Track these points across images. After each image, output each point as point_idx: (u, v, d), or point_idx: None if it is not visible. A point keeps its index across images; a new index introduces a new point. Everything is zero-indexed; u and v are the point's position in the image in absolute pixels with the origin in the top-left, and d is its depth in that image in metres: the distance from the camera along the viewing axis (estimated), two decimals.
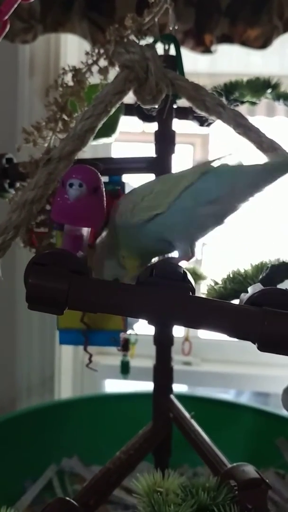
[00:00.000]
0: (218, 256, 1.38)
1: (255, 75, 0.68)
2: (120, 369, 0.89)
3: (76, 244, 0.42)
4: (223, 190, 0.41)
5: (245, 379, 1.35)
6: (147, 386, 1.03)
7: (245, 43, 1.02)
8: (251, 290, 0.38)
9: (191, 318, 0.35)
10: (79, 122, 0.47)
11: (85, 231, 0.43)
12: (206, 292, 0.50)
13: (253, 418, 0.92)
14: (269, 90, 0.67)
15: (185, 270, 0.38)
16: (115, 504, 0.81)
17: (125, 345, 0.72)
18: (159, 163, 0.57)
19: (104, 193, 0.42)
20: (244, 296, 0.39)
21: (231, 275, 0.48)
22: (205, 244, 1.44)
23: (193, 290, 0.37)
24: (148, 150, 0.62)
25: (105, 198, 0.42)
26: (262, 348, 0.35)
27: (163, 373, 0.61)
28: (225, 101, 0.55)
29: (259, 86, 0.66)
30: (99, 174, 0.41)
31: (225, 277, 0.49)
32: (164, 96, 0.51)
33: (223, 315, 0.35)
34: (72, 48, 1.14)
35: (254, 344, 0.36)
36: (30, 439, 0.88)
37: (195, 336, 1.28)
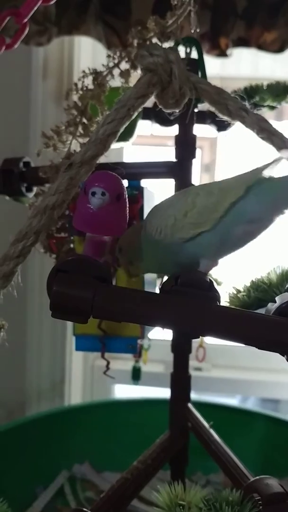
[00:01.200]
0: (227, 259, 1.37)
1: (265, 79, 0.67)
2: (131, 375, 0.88)
3: (98, 250, 0.41)
4: (266, 209, 0.40)
5: (255, 385, 1.34)
6: (158, 391, 1.02)
7: (261, 46, 1.01)
8: (279, 300, 0.37)
9: (220, 330, 0.34)
10: (101, 126, 0.46)
11: (108, 237, 0.42)
12: (228, 301, 0.49)
13: (267, 426, 0.90)
14: None
15: (211, 279, 0.37)
16: None
17: (139, 351, 0.71)
18: (179, 168, 0.56)
19: (127, 200, 0.41)
20: (272, 306, 0.38)
21: (254, 283, 0.47)
22: None
23: (220, 300, 0.37)
24: (157, 153, 0.62)
25: (127, 205, 0.41)
26: None
27: (180, 381, 0.60)
28: (247, 106, 0.54)
29: (280, 91, 0.65)
30: (121, 180, 0.40)
31: (248, 285, 0.48)
32: (187, 100, 0.51)
33: (253, 326, 0.34)
34: (86, 51, 1.14)
35: (283, 356, 0.35)
36: (41, 445, 0.87)
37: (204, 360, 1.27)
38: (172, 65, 0.47)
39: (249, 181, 0.40)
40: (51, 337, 1.20)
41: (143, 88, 0.47)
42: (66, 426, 0.92)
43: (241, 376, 1.34)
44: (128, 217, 0.41)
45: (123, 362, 1.28)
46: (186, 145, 0.56)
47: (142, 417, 0.93)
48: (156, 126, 0.76)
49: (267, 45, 1.01)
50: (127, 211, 0.41)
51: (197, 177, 1.41)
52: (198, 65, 0.57)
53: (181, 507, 0.41)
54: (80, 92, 0.54)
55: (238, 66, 1.29)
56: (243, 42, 1.03)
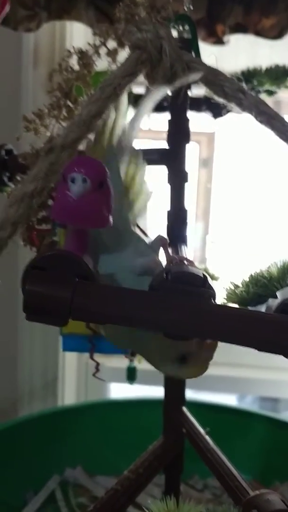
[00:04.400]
0: (225, 254, 1.34)
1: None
2: (126, 375, 0.85)
3: (81, 244, 0.37)
4: None
5: (254, 383, 1.30)
6: (154, 390, 0.99)
7: (259, 32, 0.97)
8: (281, 295, 0.34)
9: (216, 330, 0.30)
10: (85, 107, 0.42)
11: (91, 230, 0.38)
12: (226, 297, 0.45)
13: (266, 428, 0.87)
14: None
15: (205, 273, 0.33)
16: None
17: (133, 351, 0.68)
18: (171, 154, 0.52)
19: (111, 187, 0.37)
20: (273, 302, 0.34)
21: (253, 277, 0.43)
22: (213, 242, 1.40)
23: (215, 297, 0.33)
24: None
25: (112, 193, 0.37)
26: None
27: (174, 382, 0.56)
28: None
29: (280, 74, 0.62)
30: (104, 166, 0.36)
31: (247, 279, 0.44)
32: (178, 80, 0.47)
33: (253, 326, 0.30)
34: (78, 38, 1.10)
35: (287, 358, 0.31)
36: (31, 448, 0.83)
37: None
38: (163, 41, 0.43)
39: None
40: (44, 334, 1.16)
41: (131, 66, 0.43)
42: (57, 428, 0.88)
43: (239, 374, 1.30)
44: (111, 209, 0.37)
45: (118, 361, 1.25)
46: (179, 130, 0.52)
47: (137, 418, 0.89)
48: (154, 118, 0.72)
49: (265, 31, 0.97)
50: (111, 200, 0.37)
51: (195, 172, 1.38)
52: (191, 45, 0.53)
53: None
54: (65, 73, 0.50)
55: (236, 56, 1.25)
56: (240, 28, 0.98)
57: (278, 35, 0.96)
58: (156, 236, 0.42)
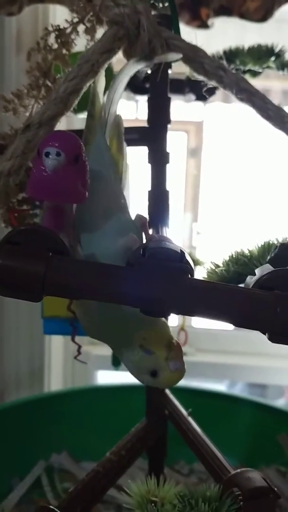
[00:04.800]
0: (213, 242, 1.33)
1: None
2: (111, 361, 0.84)
3: (57, 220, 0.36)
4: None
5: (241, 370, 1.30)
6: None
7: (244, 15, 0.96)
8: (259, 272, 0.33)
9: (192, 305, 0.30)
10: (62, 84, 0.42)
11: (68, 206, 0.38)
12: (206, 276, 0.45)
13: (253, 412, 0.87)
14: (272, 58, 0.62)
15: (182, 249, 0.33)
16: (108, 504, 0.76)
17: None
18: (152, 134, 0.52)
19: (87, 163, 0.37)
20: (251, 280, 0.33)
21: (234, 257, 0.43)
22: (199, 233, 1.39)
23: (192, 273, 0.32)
24: None
25: (88, 169, 0.36)
26: (274, 338, 0.30)
27: None
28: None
29: (262, 53, 0.61)
30: (79, 140, 0.36)
31: (227, 259, 0.44)
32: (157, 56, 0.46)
33: (230, 300, 0.30)
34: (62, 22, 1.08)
35: (264, 334, 0.31)
36: (17, 434, 0.82)
37: (188, 326, 1.23)
38: (140, 16, 0.43)
39: None
40: (29, 321, 1.15)
41: (108, 42, 0.43)
42: (43, 414, 0.88)
43: (227, 361, 1.30)
44: (87, 184, 0.37)
45: (105, 348, 1.24)
46: (159, 109, 0.52)
47: (123, 404, 0.89)
48: (140, 107, 0.71)
49: (249, 14, 0.96)
50: (87, 175, 0.36)
51: (183, 162, 1.37)
52: (171, 21, 0.52)
53: (153, 504, 0.37)
54: (43, 51, 0.49)
55: (223, 40, 1.23)
56: (225, 11, 0.97)
57: (262, 18, 0.95)
58: (136, 215, 0.42)
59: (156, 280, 0.30)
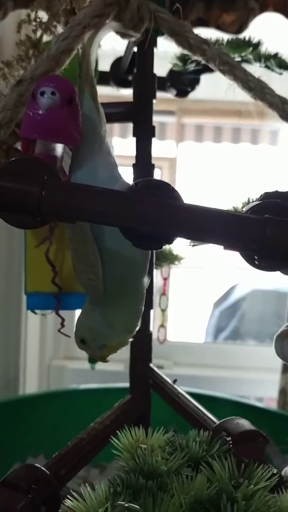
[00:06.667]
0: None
1: None
2: (88, 358, 0.83)
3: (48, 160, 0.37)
4: None
5: (218, 383, 1.30)
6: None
7: (220, 27, 1.00)
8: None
9: (187, 226, 0.30)
10: (54, 44, 0.43)
11: (59, 152, 0.38)
12: None
13: (233, 411, 0.86)
14: (250, 49, 0.64)
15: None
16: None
17: None
18: (137, 109, 0.53)
19: (80, 109, 0.38)
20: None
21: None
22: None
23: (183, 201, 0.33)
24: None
25: (80, 113, 0.37)
26: (262, 259, 0.31)
27: (141, 339, 0.56)
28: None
29: (241, 43, 0.63)
30: (73, 84, 0.37)
31: None
32: (145, 27, 0.48)
33: (223, 222, 0.30)
34: None
35: (255, 256, 0.31)
36: None
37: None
38: None
39: None
40: (4, 331, 1.14)
41: (99, 7, 0.44)
42: (18, 416, 0.86)
43: (203, 373, 1.30)
44: (80, 128, 0.38)
45: (81, 362, 1.24)
46: (145, 84, 0.53)
47: (100, 407, 0.87)
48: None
49: (226, 26, 1.00)
50: (80, 119, 0.37)
51: None
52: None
53: (143, 449, 0.37)
54: (33, 23, 0.50)
55: None
56: (202, 22, 1.01)
57: (238, 31, 0.99)
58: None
59: (153, 203, 0.30)
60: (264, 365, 1.27)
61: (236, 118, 1.66)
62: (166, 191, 0.32)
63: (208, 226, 0.30)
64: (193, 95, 1.28)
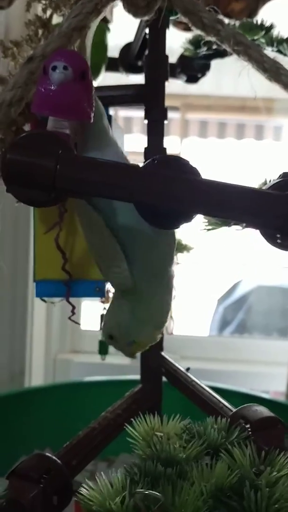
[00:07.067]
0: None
1: None
2: (98, 349, 0.82)
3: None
4: None
5: (225, 376, 1.29)
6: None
7: (229, 15, 0.98)
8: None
9: (207, 201, 0.29)
10: (66, 20, 0.42)
11: (72, 130, 0.37)
12: None
13: (241, 403, 0.85)
14: (262, 33, 0.63)
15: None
16: None
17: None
18: (149, 91, 0.51)
19: (93, 84, 0.36)
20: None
21: None
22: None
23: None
24: None
25: (93, 88, 0.36)
26: (285, 237, 0.30)
27: None
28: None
29: (253, 26, 0.62)
30: (85, 59, 0.36)
31: None
32: (158, 6, 0.46)
33: (244, 197, 0.29)
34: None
35: (277, 234, 0.30)
36: None
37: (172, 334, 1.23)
38: None
39: None
40: (11, 326, 1.13)
41: None
42: (25, 409, 0.85)
43: (210, 367, 1.29)
44: (93, 105, 0.36)
45: (87, 356, 1.23)
46: (157, 65, 0.52)
47: (108, 399, 0.86)
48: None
49: (235, 14, 0.98)
50: (93, 94, 0.36)
51: None
52: None
53: (159, 437, 0.35)
54: (43, 1, 0.49)
55: None
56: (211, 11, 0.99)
57: (248, 18, 0.98)
58: None
59: (170, 176, 0.29)
60: (272, 359, 1.26)
61: (240, 114, 1.66)
62: (185, 166, 0.31)
63: (229, 201, 0.29)
64: (198, 90, 1.27)
